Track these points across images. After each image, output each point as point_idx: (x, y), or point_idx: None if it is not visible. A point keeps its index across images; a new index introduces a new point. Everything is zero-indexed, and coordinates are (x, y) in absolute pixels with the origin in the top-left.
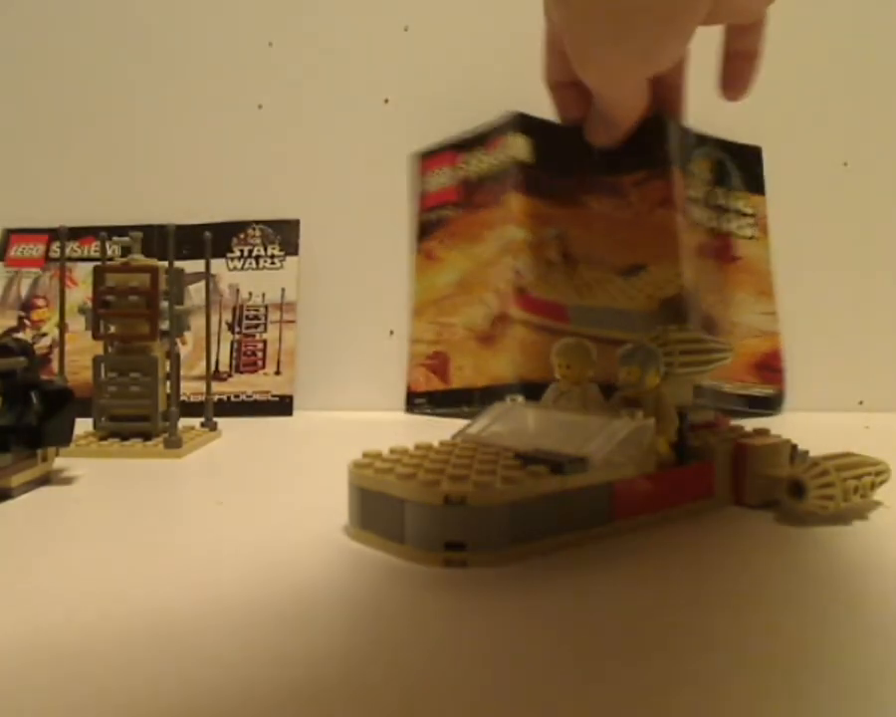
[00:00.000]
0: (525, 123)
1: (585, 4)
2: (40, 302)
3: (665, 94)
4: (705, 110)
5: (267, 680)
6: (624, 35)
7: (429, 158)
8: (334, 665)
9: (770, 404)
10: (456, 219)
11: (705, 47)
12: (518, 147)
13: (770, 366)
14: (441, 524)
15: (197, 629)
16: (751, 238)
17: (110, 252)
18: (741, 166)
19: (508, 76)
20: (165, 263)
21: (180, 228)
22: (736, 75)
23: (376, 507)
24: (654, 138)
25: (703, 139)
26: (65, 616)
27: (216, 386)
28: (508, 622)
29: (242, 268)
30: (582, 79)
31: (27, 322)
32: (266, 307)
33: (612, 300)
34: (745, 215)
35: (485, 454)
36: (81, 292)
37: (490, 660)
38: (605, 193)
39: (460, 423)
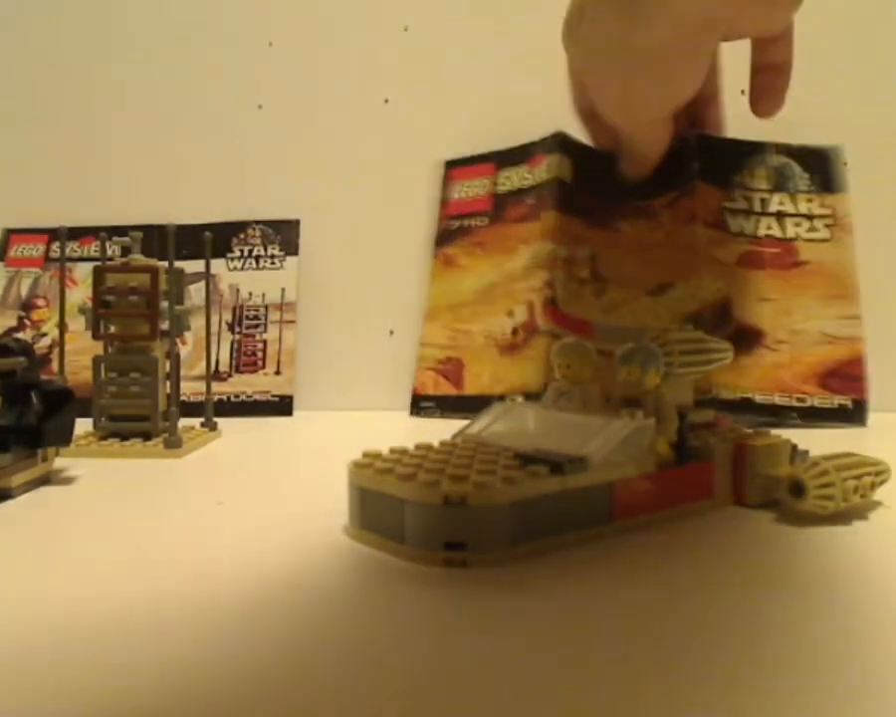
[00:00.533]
0: (566, 144)
1: (596, 45)
2: (40, 302)
3: (700, 110)
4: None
5: (266, 679)
6: (634, 74)
7: (461, 167)
8: (333, 665)
9: (846, 417)
10: (485, 229)
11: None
12: (560, 167)
13: (842, 374)
14: (441, 524)
15: (197, 629)
16: (826, 240)
17: (109, 252)
18: (810, 168)
19: (508, 75)
20: (165, 263)
21: (180, 228)
22: (767, 89)
23: (376, 507)
24: (678, 158)
25: (760, 147)
26: (65, 616)
27: (216, 386)
28: (508, 622)
29: (242, 268)
30: (602, 114)
31: (27, 322)
32: (266, 307)
33: (637, 319)
34: (816, 217)
35: (485, 454)
36: (81, 292)
37: (490, 660)
38: (638, 217)
39: (461, 425)
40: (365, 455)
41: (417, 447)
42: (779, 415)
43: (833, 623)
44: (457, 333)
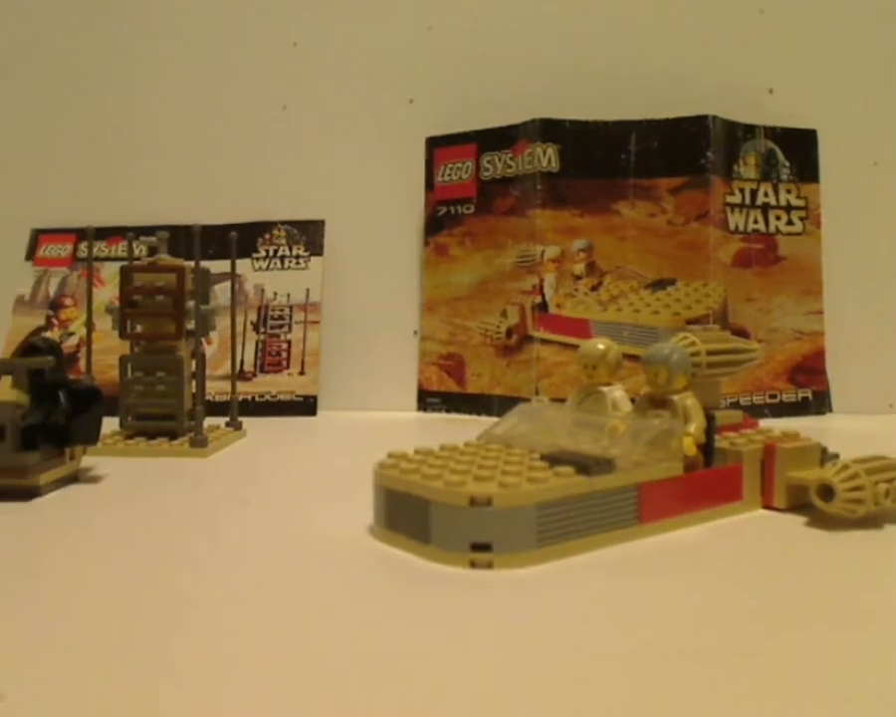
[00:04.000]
0: (551, 130)
1: None
2: (67, 301)
3: None
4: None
5: (291, 678)
6: None
7: (446, 147)
8: (357, 666)
9: (807, 408)
10: (473, 219)
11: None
12: (544, 158)
13: (808, 369)
14: (467, 525)
15: (221, 627)
16: (799, 234)
17: (136, 252)
18: (792, 154)
19: (533, 75)
20: (191, 263)
21: (206, 228)
22: None
23: (402, 508)
24: (697, 143)
25: (752, 130)
26: (90, 612)
27: (241, 386)
28: (533, 624)
29: (267, 268)
30: None
31: (55, 321)
32: (290, 307)
33: (637, 315)
34: (794, 208)
35: (511, 455)
36: (108, 291)
37: (515, 662)
38: (639, 198)
39: (482, 422)
40: (391, 456)
41: (443, 448)
42: (754, 414)
43: (864, 627)
44: (456, 328)
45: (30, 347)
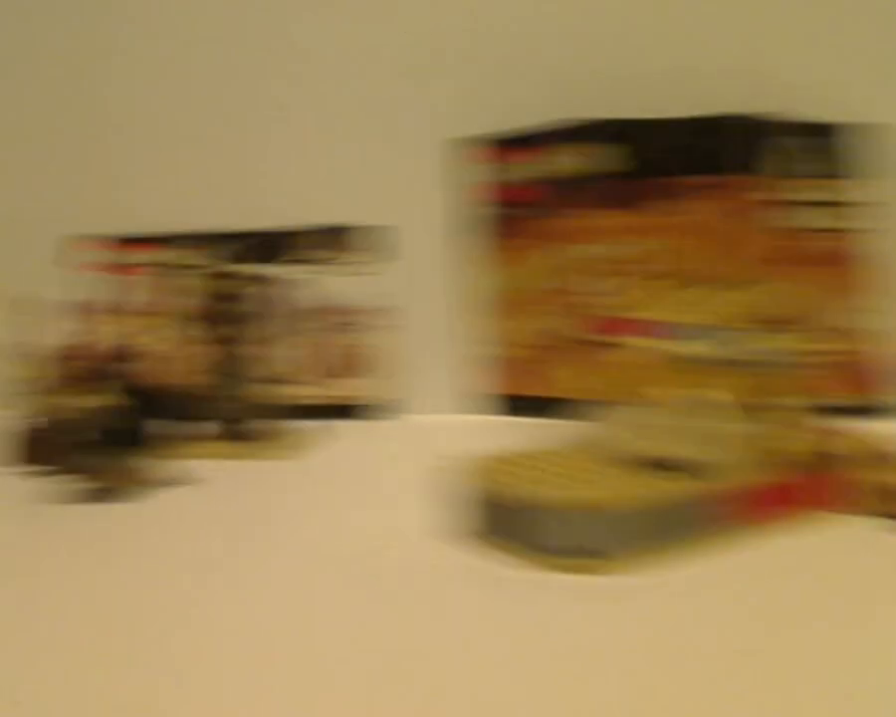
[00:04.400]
0: (618, 130)
1: None
2: (145, 308)
3: None
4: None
5: (394, 686)
6: None
7: (508, 147)
8: (465, 676)
9: (870, 412)
10: (540, 220)
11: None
12: (610, 158)
13: (885, 371)
14: (575, 530)
15: (315, 626)
16: (865, 231)
17: (218, 260)
18: (862, 151)
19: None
20: (270, 270)
21: (281, 235)
22: None
23: (504, 513)
24: (754, 139)
25: (826, 129)
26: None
27: (324, 390)
28: (648, 631)
29: (345, 274)
30: None
31: (130, 328)
32: (371, 312)
33: (715, 316)
34: (857, 205)
35: (613, 459)
36: (188, 299)
37: (628, 668)
38: (710, 195)
39: (569, 427)
40: (489, 459)
41: (543, 451)
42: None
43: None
44: (533, 331)
45: (112, 353)
